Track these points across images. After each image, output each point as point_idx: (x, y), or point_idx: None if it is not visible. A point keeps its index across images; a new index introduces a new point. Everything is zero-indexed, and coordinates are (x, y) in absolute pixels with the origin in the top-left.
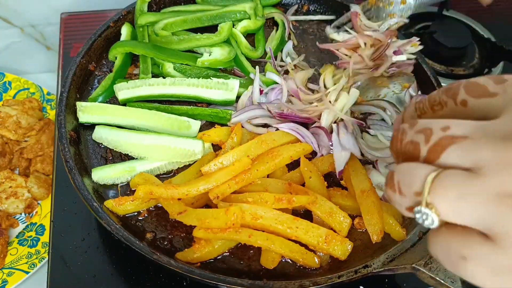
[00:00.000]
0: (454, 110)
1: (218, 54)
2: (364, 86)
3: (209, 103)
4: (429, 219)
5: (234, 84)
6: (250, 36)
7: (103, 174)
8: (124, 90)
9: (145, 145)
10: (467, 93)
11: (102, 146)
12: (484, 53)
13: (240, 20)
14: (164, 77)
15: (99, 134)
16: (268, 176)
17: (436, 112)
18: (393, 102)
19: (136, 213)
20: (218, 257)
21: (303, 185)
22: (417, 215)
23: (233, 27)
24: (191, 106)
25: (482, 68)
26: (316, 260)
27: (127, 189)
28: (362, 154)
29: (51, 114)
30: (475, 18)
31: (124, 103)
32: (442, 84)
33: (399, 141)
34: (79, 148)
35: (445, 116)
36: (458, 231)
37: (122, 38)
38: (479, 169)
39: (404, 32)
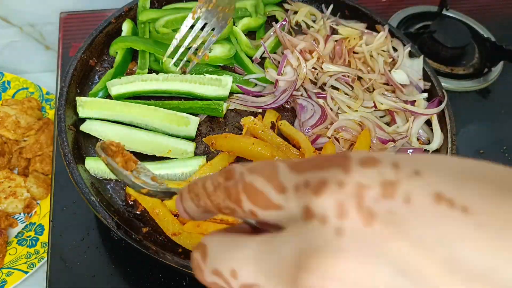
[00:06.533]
0: (247, 216)
1: (218, 51)
2: None
3: (202, 99)
4: None
5: (227, 80)
6: (251, 34)
7: (95, 166)
8: (117, 86)
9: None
10: (251, 202)
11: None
12: (484, 53)
13: (241, 17)
14: (157, 73)
15: (89, 126)
16: None
17: (227, 214)
18: None
19: (132, 207)
20: None
21: None
22: None
23: (234, 24)
24: (182, 100)
25: (482, 67)
26: None
27: (124, 184)
28: None
29: (50, 113)
30: (474, 18)
31: (118, 99)
32: (442, 84)
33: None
34: (78, 143)
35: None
36: None
37: (123, 34)
38: None
39: (404, 32)
